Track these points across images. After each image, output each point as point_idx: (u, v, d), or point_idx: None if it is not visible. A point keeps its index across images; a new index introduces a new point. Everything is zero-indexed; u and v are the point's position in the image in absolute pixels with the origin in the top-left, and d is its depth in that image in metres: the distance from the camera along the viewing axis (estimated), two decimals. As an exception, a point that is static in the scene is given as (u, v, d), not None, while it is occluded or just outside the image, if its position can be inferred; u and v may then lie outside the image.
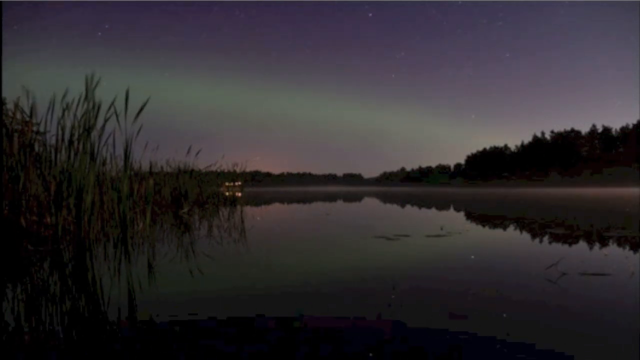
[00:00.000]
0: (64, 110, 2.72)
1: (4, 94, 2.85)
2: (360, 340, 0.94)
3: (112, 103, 2.84)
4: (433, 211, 5.93)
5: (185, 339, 0.96)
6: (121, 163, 3.17)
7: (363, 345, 0.92)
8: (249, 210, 6.34)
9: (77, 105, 2.75)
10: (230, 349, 0.90)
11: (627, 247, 2.28)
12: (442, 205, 7.83)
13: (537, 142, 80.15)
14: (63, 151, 2.71)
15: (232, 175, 9.96)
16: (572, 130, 76.07)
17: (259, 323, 1.06)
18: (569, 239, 2.68)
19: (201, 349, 0.90)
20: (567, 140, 74.54)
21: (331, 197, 13.66)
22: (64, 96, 2.80)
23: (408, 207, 7.18)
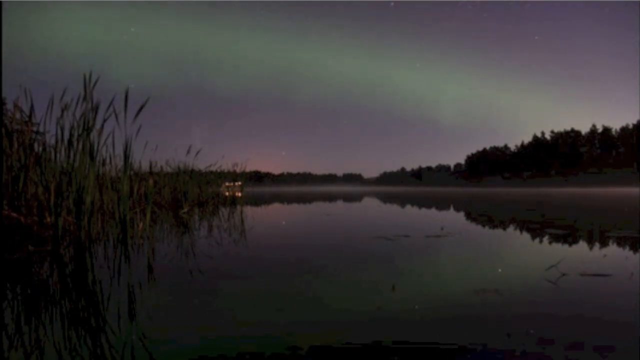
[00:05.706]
0: (62, 110, 2.72)
1: (3, 94, 2.85)
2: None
3: (111, 102, 2.83)
4: (432, 211, 5.93)
5: (185, 340, 0.96)
6: (121, 163, 3.17)
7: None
8: (249, 210, 6.34)
9: (76, 104, 2.75)
10: (229, 350, 0.90)
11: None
12: (441, 205, 7.83)
13: (537, 142, 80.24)
14: (63, 151, 2.71)
15: (232, 175, 9.95)
16: (572, 130, 76.14)
17: (256, 327, 1.06)
18: (569, 238, 2.68)
19: (200, 351, 0.90)
20: (566, 140, 74.64)
21: (331, 198, 13.66)
22: (62, 95, 2.79)
23: (407, 207, 7.18)
